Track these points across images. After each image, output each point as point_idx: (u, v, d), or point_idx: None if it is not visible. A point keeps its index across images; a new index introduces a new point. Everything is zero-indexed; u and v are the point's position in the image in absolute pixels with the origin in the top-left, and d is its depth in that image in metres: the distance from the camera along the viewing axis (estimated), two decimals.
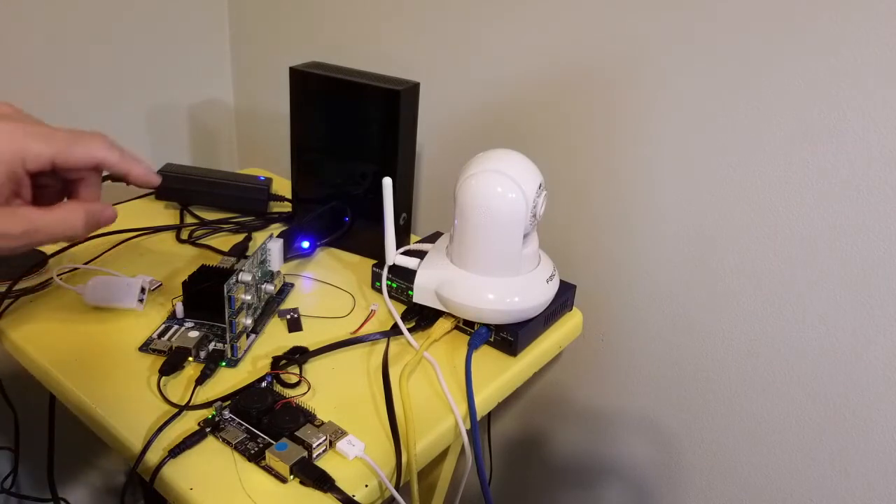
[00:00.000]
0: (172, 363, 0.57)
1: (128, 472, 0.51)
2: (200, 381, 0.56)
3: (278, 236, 0.66)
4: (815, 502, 0.69)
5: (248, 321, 0.60)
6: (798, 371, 0.66)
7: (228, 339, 0.58)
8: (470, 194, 0.59)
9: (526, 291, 0.62)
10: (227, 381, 0.57)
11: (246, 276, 0.58)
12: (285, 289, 0.70)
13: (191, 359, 0.58)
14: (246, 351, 0.60)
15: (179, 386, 0.56)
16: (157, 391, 0.55)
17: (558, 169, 0.74)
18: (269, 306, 0.66)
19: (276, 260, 0.65)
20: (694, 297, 0.70)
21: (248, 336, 0.61)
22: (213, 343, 0.60)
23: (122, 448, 0.51)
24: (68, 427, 0.70)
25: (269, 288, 0.64)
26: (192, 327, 0.62)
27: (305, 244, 0.75)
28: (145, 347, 0.59)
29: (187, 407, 0.53)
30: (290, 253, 0.74)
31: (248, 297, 0.59)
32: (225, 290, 0.55)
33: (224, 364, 0.58)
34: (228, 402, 0.53)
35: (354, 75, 0.70)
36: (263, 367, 0.59)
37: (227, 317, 0.56)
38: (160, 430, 0.51)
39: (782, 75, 0.59)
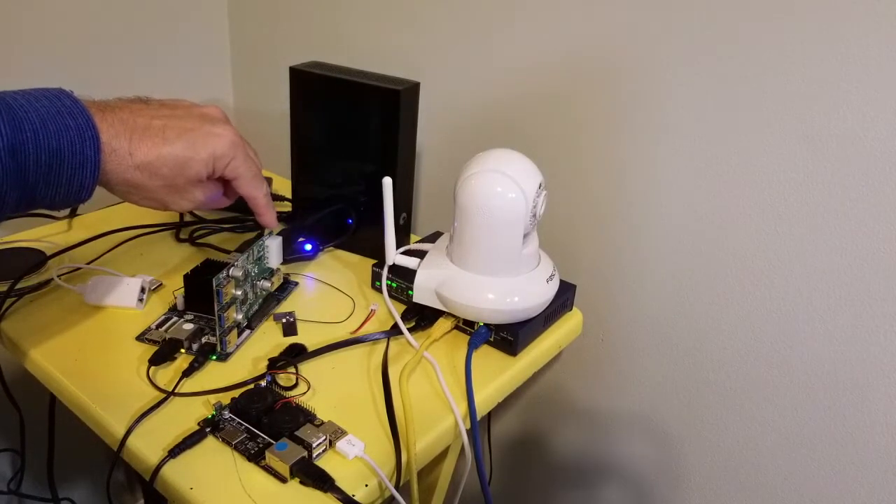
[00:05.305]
0: (163, 353, 0.57)
1: (113, 459, 0.52)
2: (188, 372, 0.56)
3: (278, 234, 0.66)
4: (815, 502, 0.69)
5: (239, 316, 0.60)
6: (798, 371, 0.66)
7: (217, 333, 0.58)
8: (470, 194, 0.59)
9: (526, 291, 0.62)
10: (220, 375, 0.57)
11: (237, 272, 0.58)
12: (287, 286, 0.69)
13: (183, 350, 0.59)
14: (238, 346, 0.60)
15: (173, 378, 0.56)
16: (146, 379, 0.55)
17: (559, 168, 0.74)
18: (268, 304, 0.66)
19: (274, 257, 0.65)
20: (694, 297, 0.70)
21: (240, 331, 0.61)
22: (206, 336, 0.60)
23: (115, 442, 0.51)
24: (72, 426, 0.70)
25: (266, 284, 0.64)
26: (191, 320, 0.62)
27: (308, 247, 0.75)
28: (142, 337, 0.60)
29: (173, 393, 0.54)
30: (290, 253, 0.73)
31: (239, 293, 0.59)
32: (213, 284, 0.55)
33: (214, 357, 0.58)
34: (226, 402, 0.53)
35: (354, 75, 0.70)
36: (261, 367, 0.58)
37: (215, 311, 0.56)
38: (144, 415, 0.51)
39: (785, 74, 0.59)
